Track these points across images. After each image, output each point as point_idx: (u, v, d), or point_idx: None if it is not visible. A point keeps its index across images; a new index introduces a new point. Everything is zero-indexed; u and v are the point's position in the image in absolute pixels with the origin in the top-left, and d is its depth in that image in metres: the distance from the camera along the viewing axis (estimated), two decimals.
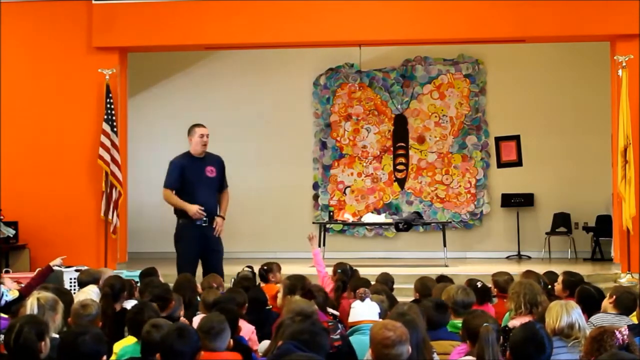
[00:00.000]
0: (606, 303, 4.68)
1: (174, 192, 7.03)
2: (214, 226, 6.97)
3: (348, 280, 5.57)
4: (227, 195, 7.24)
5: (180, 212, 6.98)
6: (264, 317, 4.89)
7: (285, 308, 4.32)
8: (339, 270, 5.82)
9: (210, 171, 7.06)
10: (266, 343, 4.32)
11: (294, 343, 3.31)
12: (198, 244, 6.88)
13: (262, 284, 6.11)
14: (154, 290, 4.74)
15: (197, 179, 6.98)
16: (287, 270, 6.69)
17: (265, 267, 6.29)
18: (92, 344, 3.24)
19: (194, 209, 6.79)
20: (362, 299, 4.38)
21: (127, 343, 3.99)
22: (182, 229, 6.95)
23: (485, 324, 3.38)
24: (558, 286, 5.41)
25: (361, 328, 4.23)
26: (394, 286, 5.85)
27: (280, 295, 4.97)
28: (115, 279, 5.19)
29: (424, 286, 5.25)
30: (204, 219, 6.91)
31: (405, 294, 5.74)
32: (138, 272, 6.46)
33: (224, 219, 7.10)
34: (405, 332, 3.29)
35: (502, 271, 5.84)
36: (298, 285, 4.85)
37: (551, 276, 5.72)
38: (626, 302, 4.57)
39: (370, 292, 4.51)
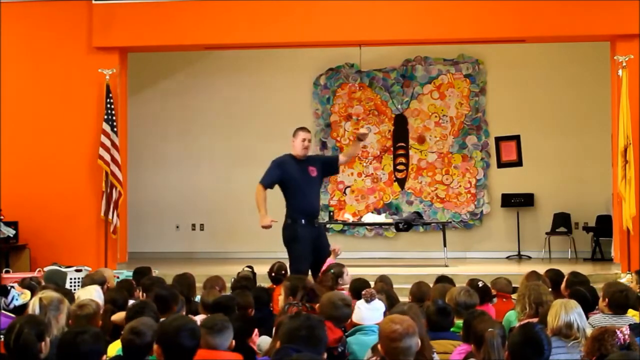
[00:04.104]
0: (601, 305, 4.67)
1: (266, 190, 6.87)
2: (360, 136, 7.03)
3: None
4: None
5: (294, 212, 6.84)
6: (265, 317, 4.88)
7: (324, 299, 4.30)
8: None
9: (312, 171, 6.96)
10: (264, 339, 4.30)
11: (291, 346, 3.29)
12: (314, 243, 6.83)
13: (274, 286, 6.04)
14: (160, 292, 4.67)
15: (301, 177, 6.86)
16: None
17: (282, 269, 6.27)
18: (91, 343, 3.22)
19: (266, 221, 6.69)
20: (368, 301, 4.34)
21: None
22: (298, 229, 6.81)
23: (490, 329, 3.36)
24: (563, 285, 5.43)
25: (363, 328, 4.21)
26: (394, 286, 5.83)
27: (281, 298, 4.93)
28: (118, 293, 5.02)
29: (419, 291, 5.22)
30: (315, 220, 6.91)
31: (405, 294, 5.72)
32: None
33: None
34: (413, 324, 3.28)
35: (500, 276, 5.86)
36: (299, 285, 4.82)
37: (555, 274, 5.75)
38: (619, 300, 4.55)
39: (376, 294, 4.45)
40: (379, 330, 3.37)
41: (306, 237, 6.79)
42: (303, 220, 6.82)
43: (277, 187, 6.94)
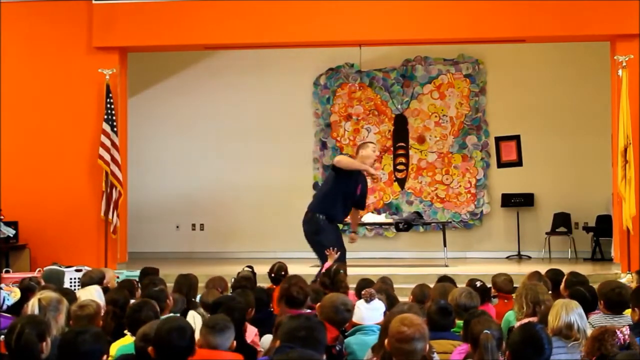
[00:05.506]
0: (601, 307, 4.67)
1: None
2: (349, 241, 7.45)
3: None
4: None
5: (322, 208, 7.11)
6: (265, 317, 4.87)
7: (326, 300, 4.29)
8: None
9: (358, 189, 7.24)
10: (268, 337, 4.30)
11: (289, 345, 3.28)
12: (339, 232, 7.22)
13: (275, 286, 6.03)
14: (149, 291, 4.68)
15: (349, 187, 7.12)
16: (288, 270, 6.66)
17: (282, 270, 6.28)
18: (92, 343, 3.23)
19: (373, 170, 7.13)
20: (368, 301, 4.34)
21: (124, 343, 3.93)
22: (323, 223, 7.07)
23: (485, 331, 3.35)
24: (562, 285, 5.43)
25: (363, 328, 4.21)
26: (393, 286, 5.83)
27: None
28: (119, 293, 4.93)
29: (421, 292, 5.22)
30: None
31: (405, 294, 5.73)
32: (138, 272, 6.45)
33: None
34: (423, 328, 3.27)
35: (501, 272, 5.85)
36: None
37: (555, 274, 5.75)
38: (613, 298, 4.53)
39: (376, 294, 4.44)
40: (387, 328, 3.36)
41: (333, 228, 7.08)
42: (322, 216, 7.08)
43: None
